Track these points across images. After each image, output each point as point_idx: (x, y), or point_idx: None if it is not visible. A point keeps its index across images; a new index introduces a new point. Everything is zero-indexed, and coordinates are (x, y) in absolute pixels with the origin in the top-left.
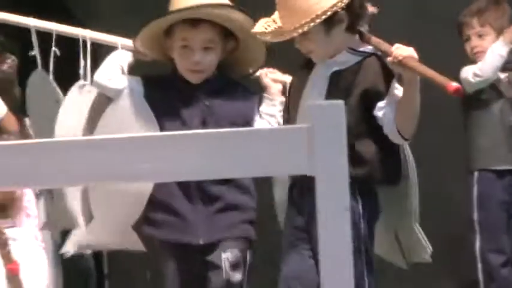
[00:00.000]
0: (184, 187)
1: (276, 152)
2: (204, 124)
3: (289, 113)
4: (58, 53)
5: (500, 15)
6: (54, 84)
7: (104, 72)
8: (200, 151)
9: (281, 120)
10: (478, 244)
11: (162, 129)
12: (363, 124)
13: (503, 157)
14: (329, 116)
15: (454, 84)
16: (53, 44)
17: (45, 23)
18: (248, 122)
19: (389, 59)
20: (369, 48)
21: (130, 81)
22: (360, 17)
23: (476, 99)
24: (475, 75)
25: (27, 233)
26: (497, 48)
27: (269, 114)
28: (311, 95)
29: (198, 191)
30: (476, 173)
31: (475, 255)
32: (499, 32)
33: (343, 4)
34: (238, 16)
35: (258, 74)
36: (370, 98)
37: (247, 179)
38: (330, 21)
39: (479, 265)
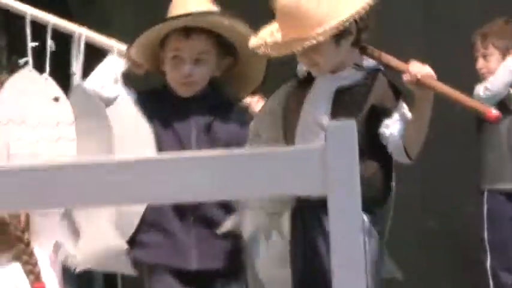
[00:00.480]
0: (178, 207)
1: (288, 172)
2: (198, 141)
3: (286, 132)
4: (54, 47)
5: (507, 35)
6: (52, 81)
7: (97, 79)
8: (214, 172)
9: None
10: (489, 262)
11: (157, 142)
12: (367, 141)
13: (510, 177)
14: (342, 136)
15: (494, 112)
16: (49, 36)
17: (42, 13)
18: (239, 143)
19: (405, 77)
20: (372, 63)
21: (124, 89)
22: (365, 30)
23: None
24: (486, 89)
25: (46, 253)
26: (510, 64)
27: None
28: (314, 111)
29: (192, 213)
30: (486, 192)
31: (487, 274)
32: (505, 52)
33: (361, 13)
34: (241, 28)
35: (247, 101)
36: (377, 115)
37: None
38: (340, 33)
39: (491, 283)
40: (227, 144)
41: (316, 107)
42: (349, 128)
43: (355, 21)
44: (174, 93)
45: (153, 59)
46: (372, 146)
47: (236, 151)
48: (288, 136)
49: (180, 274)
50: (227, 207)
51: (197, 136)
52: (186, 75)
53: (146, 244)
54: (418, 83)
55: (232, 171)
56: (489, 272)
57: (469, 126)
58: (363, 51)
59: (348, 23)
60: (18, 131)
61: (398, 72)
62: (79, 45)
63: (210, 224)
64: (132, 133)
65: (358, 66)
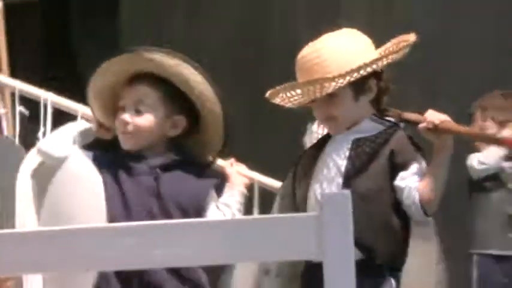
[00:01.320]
0: (122, 275)
1: (286, 238)
2: (142, 206)
3: (300, 188)
4: (26, 113)
5: (506, 110)
6: (22, 150)
7: (49, 140)
8: (215, 238)
9: (236, 212)
10: None
11: (107, 201)
12: (387, 194)
13: (500, 243)
14: (336, 205)
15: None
16: (17, 102)
17: (8, 79)
18: (198, 207)
19: (422, 125)
20: (391, 119)
21: (80, 151)
22: (386, 92)
23: (479, 186)
24: (480, 162)
25: None
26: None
27: (225, 204)
28: (330, 162)
29: (136, 279)
30: (475, 256)
31: None
32: (503, 124)
33: (381, 63)
34: (193, 75)
35: (222, 163)
36: (394, 167)
37: (196, 271)
38: (360, 87)
39: None
40: (179, 205)
41: (333, 158)
42: (343, 198)
43: (377, 79)
44: (126, 151)
45: (113, 117)
46: (393, 197)
47: (238, 219)
48: (300, 194)
49: None
50: (175, 272)
51: (145, 199)
52: (123, 123)
53: None
54: (436, 129)
55: (232, 236)
56: None
57: (460, 194)
58: (384, 113)
59: (367, 69)
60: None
61: (417, 125)
62: (45, 110)
63: None
64: (81, 193)
65: (377, 118)
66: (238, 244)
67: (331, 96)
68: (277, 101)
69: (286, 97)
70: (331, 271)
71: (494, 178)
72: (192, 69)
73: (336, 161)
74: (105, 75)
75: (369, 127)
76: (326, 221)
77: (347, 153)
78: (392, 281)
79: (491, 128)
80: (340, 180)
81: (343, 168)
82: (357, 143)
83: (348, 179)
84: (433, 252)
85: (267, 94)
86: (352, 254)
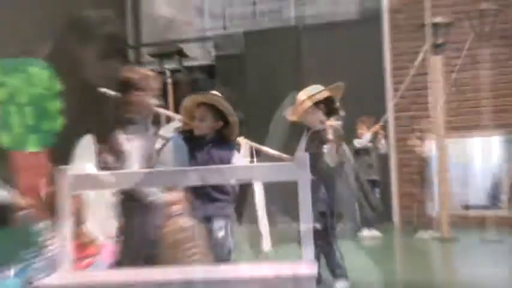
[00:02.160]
0: (196, 192)
1: (283, 171)
2: (204, 159)
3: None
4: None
5: (372, 122)
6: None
7: (163, 130)
8: (247, 172)
9: (245, 159)
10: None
11: (189, 156)
12: (320, 154)
13: (366, 175)
14: (303, 160)
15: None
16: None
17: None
18: (228, 160)
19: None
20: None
21: (175, 134)
22: (334, 110)
23: (358, 152)
24: (357, 142)
25: None
26: (368, 135)
27: (241, 156)
28: (304, 141)
29: (202, 194)
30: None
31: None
32: (369, 128)
33: (315, 98)
34: (227, 105)
35: (239, 138)
36: (322, 144)
37: (226, 187)
38: (316, 108)
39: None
40: (221, 161)
41: (304, 137)
42: (306, 157)
43: (325, 103)
44: (196, 136)
45: (191, 120)
46: (322, 155)
47: (255, 164)
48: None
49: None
50: (219, 191)
51: (204, 158)
52: (195, 124)
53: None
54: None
55: (251, 169)
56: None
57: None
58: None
59: (308, 101)
60: None
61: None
62: (160, 119)
63: (209, 196)
64: (178, 154)
65: (322, 122)
66: (255, 172)
67: (306, 113)
68: (290, 118)
69: (292, 116)
70: (301, 183)
71: (364, 149)
72: (223, 101)
73: (304, 140)
74: (188, 102)
75: (319, 126)
76: (298, 165)
77: (307, 137)
78: (322, 185)
79: (365, 131)
80: (304, 148)
81: (305, 143)
82: (311, 133)
83: (307, 148)
84: (351, 173)
85: (286, 115)
86: (308, 177)
